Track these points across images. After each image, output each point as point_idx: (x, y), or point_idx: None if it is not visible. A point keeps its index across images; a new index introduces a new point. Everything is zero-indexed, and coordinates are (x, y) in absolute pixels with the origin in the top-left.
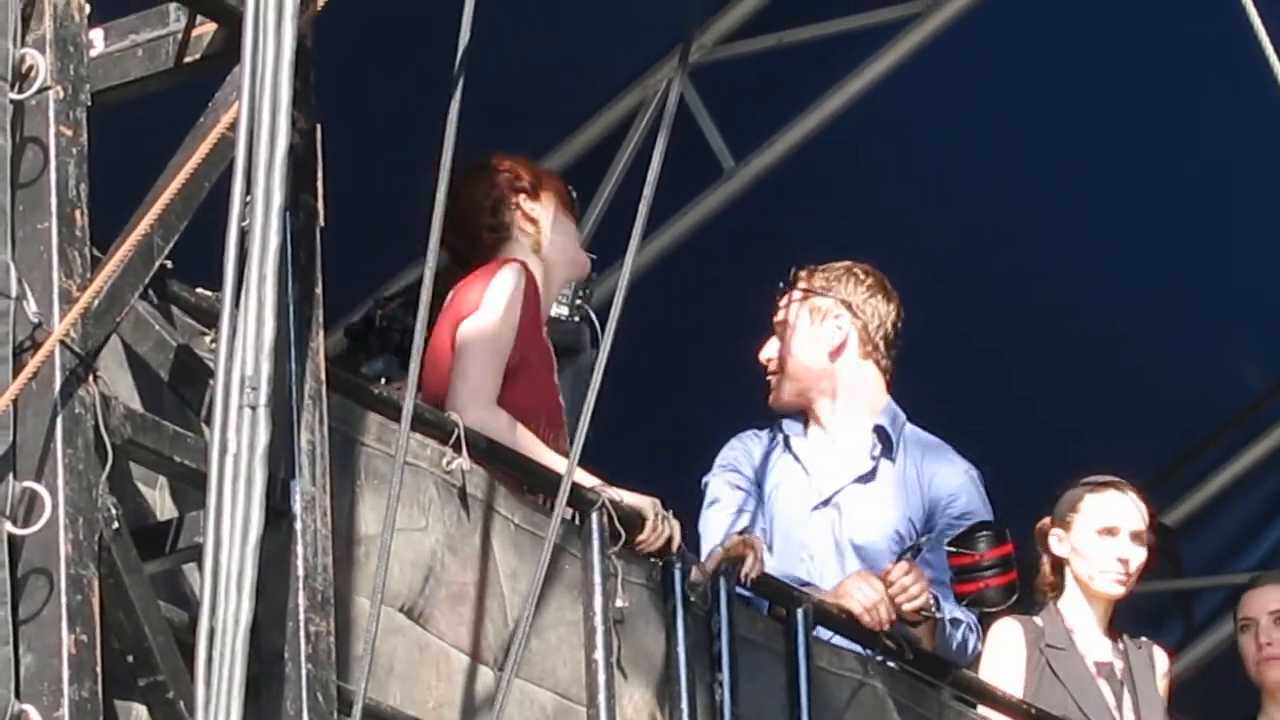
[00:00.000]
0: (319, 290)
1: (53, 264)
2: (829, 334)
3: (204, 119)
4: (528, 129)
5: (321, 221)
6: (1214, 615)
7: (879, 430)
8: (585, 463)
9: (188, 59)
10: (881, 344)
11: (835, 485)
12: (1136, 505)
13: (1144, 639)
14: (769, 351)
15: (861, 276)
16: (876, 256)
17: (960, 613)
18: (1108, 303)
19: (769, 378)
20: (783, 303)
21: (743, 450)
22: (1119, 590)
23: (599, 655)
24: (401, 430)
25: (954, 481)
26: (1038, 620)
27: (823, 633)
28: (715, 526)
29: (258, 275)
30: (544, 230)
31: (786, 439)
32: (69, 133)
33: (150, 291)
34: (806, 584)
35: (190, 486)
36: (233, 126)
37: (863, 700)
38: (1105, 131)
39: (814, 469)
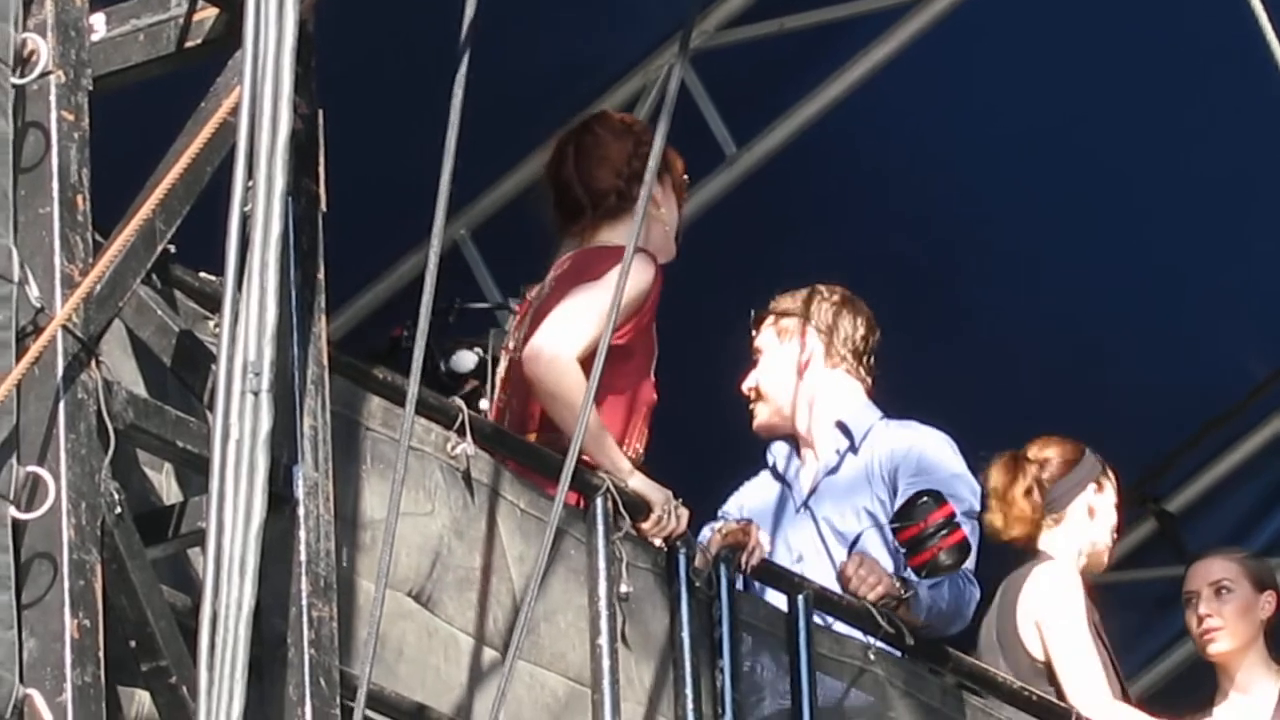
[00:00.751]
0: (321, 275)
1: (55, 249)
2: (794, 351)
3: (206, 104)
4: (530, 114)
5: (324, 206)
6: None
7: (840, 425)
8: None
9: (189, 44)
10: (850, 355)
11: (810, 485)
12: None
13: None
14: (750, 381)
15: (826, 294)
16: (877, 244)
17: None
18: (1108, 289)
19: (751, 407)
20: (757, 332)
21: (734, 502)
22: None
23: (604, 640)
24: (406, 414)
25: (906, 444)
26: None
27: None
28: None
29: (260, 260)
30: (666, 218)
31: (772, 464)
32: (71, 117)
33: (153, 276)
34: None
35: (193, 471)
36: (234, 111)
37: (863, 686)
38: (1105, 117)
39: (793, 479)
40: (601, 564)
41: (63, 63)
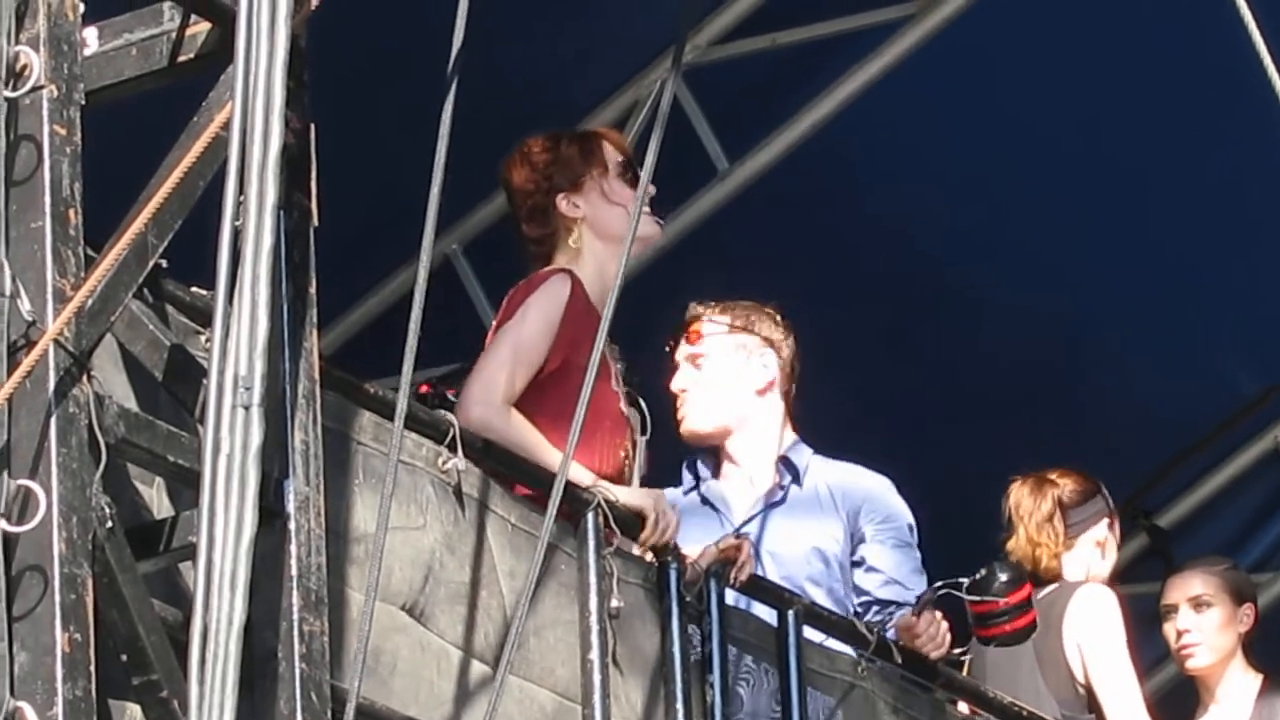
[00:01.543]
0: (313, 289)
1: (46, 263)
2: (756, 371)
3: (198, 118)
4: (522, 130)
5: (315, 220)
6: None
7: (784, 460)
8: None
9: (182, 58)
10: (786, 381)
11: (746, 514)
12: None
13: None
14: (682, 382)
15: (774, 314)
16: (871, 258)
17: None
18: (1100, 306)
19: (681, 409)
20: (699, 335)
21: None
22: None
23: (594, 655)
24: (395, 430)
25: (865, 487)
26: None
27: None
28: None
29: (251, 274)
30: (591, 221)
31: (697, 482)
32: (63, 131)
33: (144, 290)
34: None
35: (185, 486)
36: (226, 126)
37: (853, 702)
38: (1099, 135)
39: (724, 506)
40: (592, 579)
41: (55, 77)
